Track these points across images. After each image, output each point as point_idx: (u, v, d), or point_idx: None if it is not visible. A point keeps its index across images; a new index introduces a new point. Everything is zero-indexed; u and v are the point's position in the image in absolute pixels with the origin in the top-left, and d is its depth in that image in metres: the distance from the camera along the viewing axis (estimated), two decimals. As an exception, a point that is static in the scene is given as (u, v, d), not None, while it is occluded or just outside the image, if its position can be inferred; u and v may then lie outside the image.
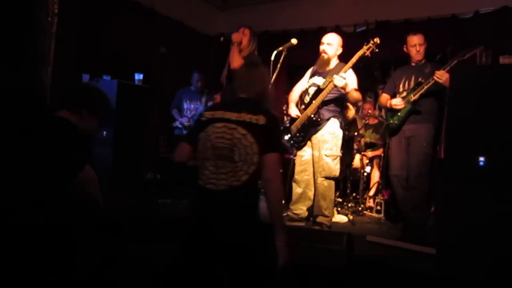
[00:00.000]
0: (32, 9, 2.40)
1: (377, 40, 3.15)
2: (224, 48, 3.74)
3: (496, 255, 2.22)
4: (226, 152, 1.89)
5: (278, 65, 3.06)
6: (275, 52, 3.06)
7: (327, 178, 3.36)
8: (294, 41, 3.16)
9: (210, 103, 4.81)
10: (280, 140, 2.14)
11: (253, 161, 1.88)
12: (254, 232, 1.87)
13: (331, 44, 3.41)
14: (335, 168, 3.38)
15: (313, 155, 3.43)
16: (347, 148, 4.43)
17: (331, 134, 3.38)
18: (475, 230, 2.30)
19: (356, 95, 3.33)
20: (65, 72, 3.63)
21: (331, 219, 3.45)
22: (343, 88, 3.21)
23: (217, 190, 1.87)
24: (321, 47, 3.44)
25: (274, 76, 3.04)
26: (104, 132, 3.77)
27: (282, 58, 3.09)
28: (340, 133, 3.44)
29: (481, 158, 2.32)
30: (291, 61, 4.24)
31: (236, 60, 3.43)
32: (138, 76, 4.19)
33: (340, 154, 3.45)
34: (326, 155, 3.35)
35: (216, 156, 1.91)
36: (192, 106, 5.14)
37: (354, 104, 3.55)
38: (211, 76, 4.70)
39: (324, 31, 4.98)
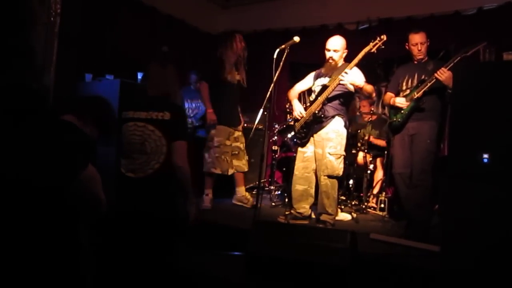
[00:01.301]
0: (25, 5, 2.38)
1: (384, 37, 3.13)
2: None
3: (500, 252, 2.21)
4: (139, 146, 2.29)
5: (281, 63, 3.05)
6: (277, 50, 3.05)
7: (330, 176, 3.35)
8: (296, 39, 3.15)
9: None
10: (186, 129, 2.47)
11: (163, 151, 2.27)
12: (164, 205, 2.28)
13: (337, 50, 3.41)
14: (338, 167, 3.37)
15: (316, 152, 3.42)
16: (351, 146, 4.42)
17: (335, 132, 3.37)
18: (479, 227, 2.29)
19: (369, 88, 3.32)
20: (68, 72, 3.63)
21: (334, 217, 3.44)
22: (353, 84, 3.21)
23: (135, 178, 2.27)
24: (328, 54, 3.43)
25: (276, 74, 3.03)
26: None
27: (284, 56, 3.09)
28: (344, 132, 3.43)
29: (485, 155, 2.31)
30: (294, 59, 4.24)
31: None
32: (141, 75, 4.19)
33: (344, 153, 3.44)
34: (330, 153, 3.34)
35: (131, 150, 2.31)
36: (193, 105, 5.13)
37: (368, 97, 3.55)
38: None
39: (326, 28, 4.99)
